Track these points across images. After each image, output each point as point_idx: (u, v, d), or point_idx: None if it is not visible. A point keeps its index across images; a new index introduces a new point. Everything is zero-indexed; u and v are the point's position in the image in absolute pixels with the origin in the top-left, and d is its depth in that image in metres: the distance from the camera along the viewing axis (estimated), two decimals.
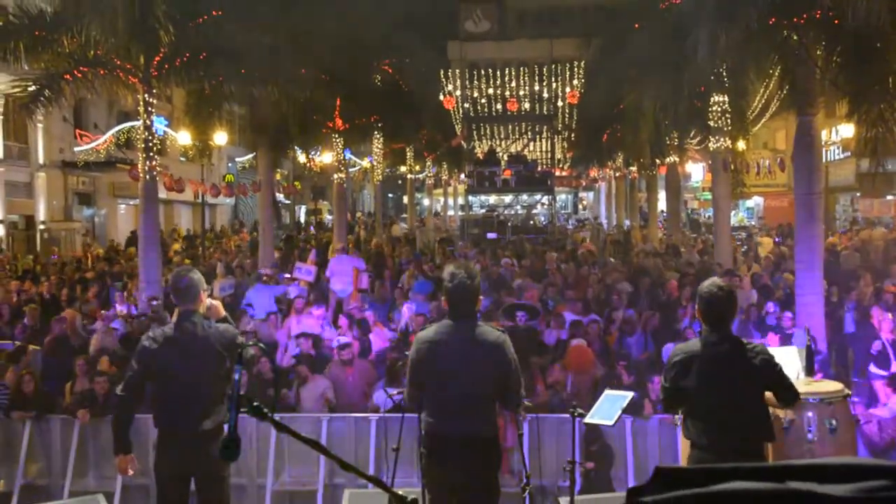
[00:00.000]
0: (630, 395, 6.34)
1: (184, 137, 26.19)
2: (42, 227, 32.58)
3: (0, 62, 14.01)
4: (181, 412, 5.59)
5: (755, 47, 12.11)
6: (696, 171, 42.31)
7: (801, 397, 5.31)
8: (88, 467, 9.53)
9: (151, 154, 14.35)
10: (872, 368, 10.50)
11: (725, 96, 16.26)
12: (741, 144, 19.00)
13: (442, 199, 52.70)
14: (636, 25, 15.56)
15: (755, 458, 4.96)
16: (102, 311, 14.07)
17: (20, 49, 13.36)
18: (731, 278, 13.47)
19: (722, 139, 16.86)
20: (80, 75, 13.92)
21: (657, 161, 27.64)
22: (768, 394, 5.14)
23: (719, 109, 16.47)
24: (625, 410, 6.20)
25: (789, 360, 5.71)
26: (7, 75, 18.97)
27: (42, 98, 13.95)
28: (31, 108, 14.20)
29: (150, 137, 14.39)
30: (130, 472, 5.80)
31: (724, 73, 15.48)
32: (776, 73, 13.89)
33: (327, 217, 47.69)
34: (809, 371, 6.29)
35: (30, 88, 14.12)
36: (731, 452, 4.82)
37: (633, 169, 34.27)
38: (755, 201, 40.89)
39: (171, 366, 5.60)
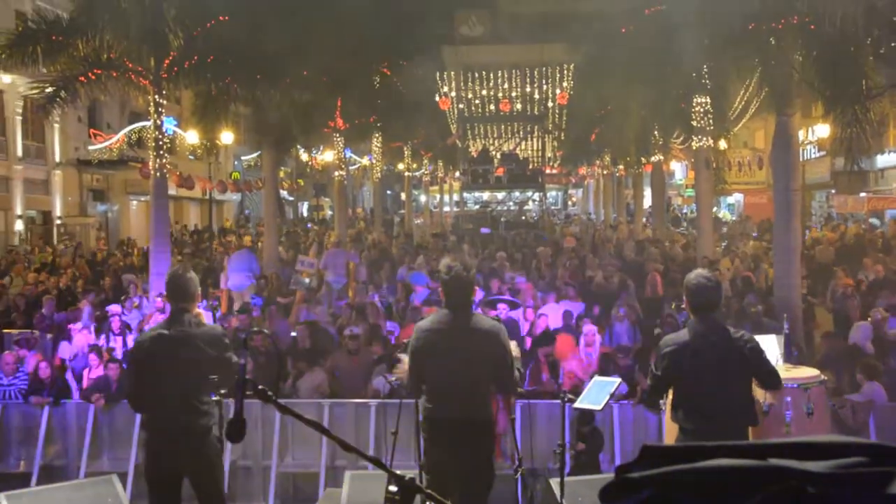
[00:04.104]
0: (618, 380, 6.35)
1: (192, 137, 26.19)
2: (58, 222, 32.54)
3: (19, 65, 13.96)
4: (169, 410, 5.35)
5: (736, 51, 12.13)
6: (680, 169, 42.34)
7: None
8: (103, 449, 9.55)
9: (162, 153, 14.33)
10: None
11: (708, 98, 16.29)
12: (722, 143, 19.02)
13: (438, 196, 52.67)
14: (622, 30, 15.53)
15: (739, 440, 4.97)
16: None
17: (38, 53, 13.34)
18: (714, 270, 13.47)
19: (704, 138, 16.86)
20: (94, 77, 13.89)
21: (643, 159, 27.69)
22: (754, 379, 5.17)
23: (702, 110, 16.50)
24: (612, 396, 6.20)
25: (769, 347, 5.73)
26: (25, 78, 18.92)
27: (58, 99, 13.92)
28: (47, 108, 14.19)
29: (161, 137, 14.37)
30: None
31: (707, 76, 15.51)
32: (756, 76, 13.90)
33: (329, 213, 47.65)
34: (788, 358, 6.31)
35: (47, 90, 14.09)
36: (717, 436, 4.81)
37: (620, 167, 34.32)
38: (735, 198, 40.92)
39: (160, 363, 5.37)
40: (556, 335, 10.62)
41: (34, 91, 15.13)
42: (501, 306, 11.26)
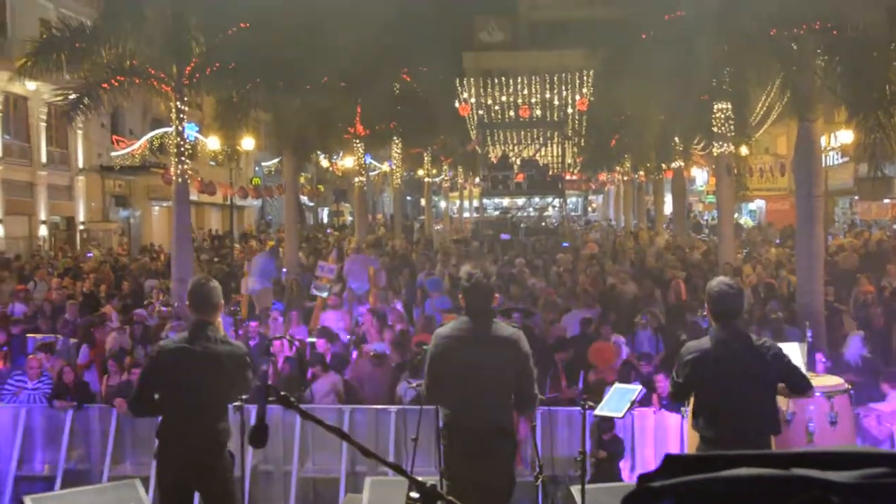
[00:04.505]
0: (638, 388, 6.33)
1: (213, 143, 26.36)
2: (81, 227, 32.86)
3: (43, 73, 14.12)
4: (185, 424, 5.27)
5: (757, 57, 12.08)
6: (701, 176, 42.16)
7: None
8: (126, 454, 9.60)
9: (183, 158, 14.44)
10: None
11: (728, 104, 16.20)
12: (744, 150, 18.92)
13: (458, 202, 52.68)
14: (643, 36, 15.49)
15: (761, 449, 4.93)
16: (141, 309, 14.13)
17: (62, 60, 13.49)
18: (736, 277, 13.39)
19: (725, 145, 16.76)
20: (116, 84, 14.04)
21: (663, 166, 27.59)
22: (780, 385, 5.11)
23: (723, 116, 16.39)
24: (633, 403, 6.18)
25: (791, 355, 5.69)
26: (50, 85, 19.15)
27: (82, 106, 14.08)
28: (71, 115, 14.35)
29: (182, 143, 14.48)
30: None
31: (727, 82, 15.43)
32: (777, 82, 13.82)
33: (349, 218, 47.78)
34: (810, 366, 6.26)
35: (70, 97, 14.25)
36: (739, 444, 4.79)
37: (641, 173, 34.21)
38: (757, 204, 40.69)
39: (180, 376, 5.27)
40: (595, 343, 10.57)
41: (58, 98, 15.32)
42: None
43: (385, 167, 40.12)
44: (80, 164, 33.24)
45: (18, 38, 25.92)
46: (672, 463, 1.45)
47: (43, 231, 31.05)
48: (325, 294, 14.61)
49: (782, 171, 32.80)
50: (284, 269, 17.85)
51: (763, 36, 11.32)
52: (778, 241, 25.42)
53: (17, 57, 17.04)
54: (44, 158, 31.35)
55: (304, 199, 42.79)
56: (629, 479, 8.43)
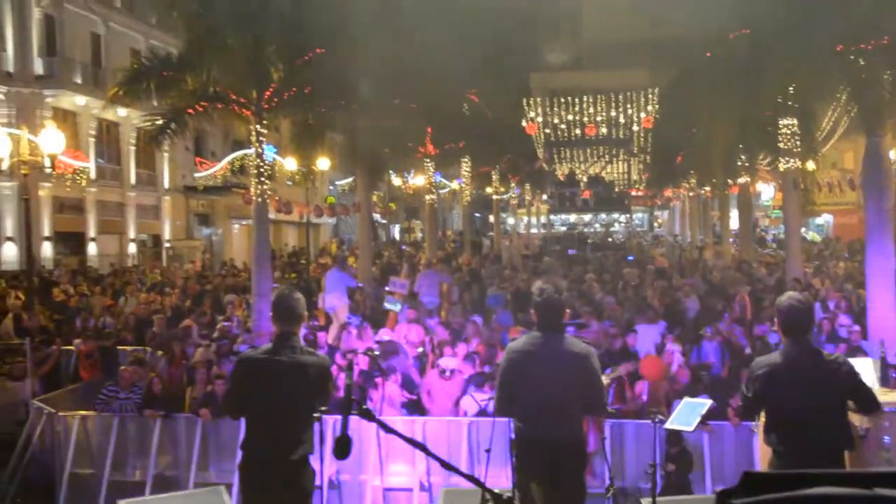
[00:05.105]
0: (708, 402, 6.23)
1: (290, 163, 26.84)
2: (167, 244, 33.78)
3: (134, 100, 14.56)
4: (270, 437, 5.12)
5: (823, 73, 11.81)
6: (767, 190, 41.28)
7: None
8: (210, 461, 9.82)
9: (262, 179, 14.68)
10: None
11: (794, 119, 15.84)
12: (810, 164, 18.46)
13: (525, 218, 52.54)
14: (707, 54, 15.26)
15: (834, 465, 4.79)
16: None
17: (151, 88, 13.89)
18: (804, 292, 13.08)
19: (792, 160, 16.39)
20: (201, 109, 14.38)
21: (729, 181, 27.10)
22: (849, 402, 4.97)
23: (789, 132, 16.04)
24: (703, 417, 6.08)
25: (864, 371, 5.52)
26: (139, 111, 19.76)
27: (168, 130, 14.46)
28: (158, 139, 14.76)
29: (261, 164, 14.73)
30: None
31: (793, 98, 15.10)
32: (844, 97, 13.47)
33: (419, 235, 48.06)
34: (884, 382, 6.07)
35: (157, 122, 14.65)
36: (812, 460, 4.66)
37: (706, 189, 33.65)
38: (824, 218, 39.65)
39: (265, 386, 5.13)
40: (646, 356, 10.50)
41: (147, 123, 15.76)
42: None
43: (455, 185, 40.27)
44: (166, 185, 34.24)
45: (111, 68, 26.90)
46: (751, 480, 1.44)
47: (132, 248, 32.02)
48: (397, 308, 14.72)
49: (851, 185, 31.92)
50: (359, 283, 17.99)
51: (829, 52, 11.05)
52: (846, 256, 24.71)
53: (109, 86, 17.62)
54: (133, 180, 32.43)
55: (377, 216, 43.19)
56: (700, 491, 8.28)
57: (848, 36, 10.85)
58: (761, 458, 5.54)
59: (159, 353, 12.57)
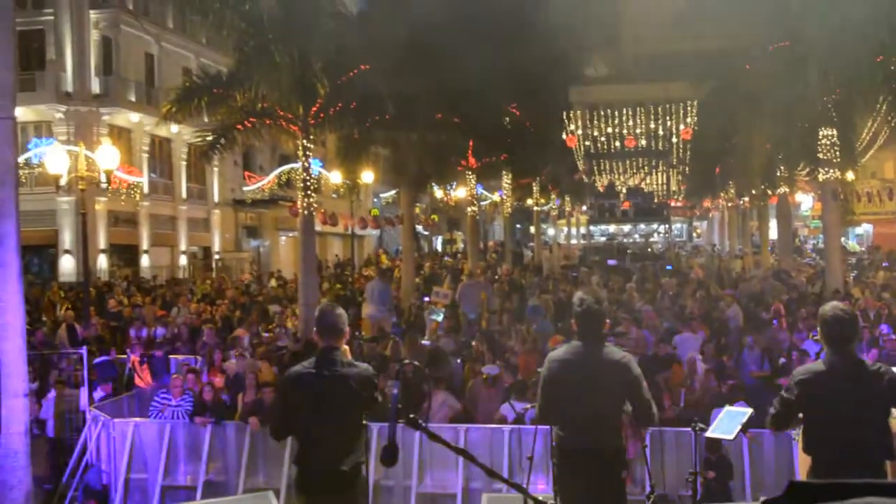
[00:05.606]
0: (749, 411, 6.13)
1: (336, 177, 27.08)
2: (217, 256, 34.23)
3: (186, 117, 14.81)
4: (321, 451, 5.11)
5: (863, 84, 11.62)
6: (806, 201, 40.64)
7: None
8: (259, 467, 9.90)
9: (309, 192, 14.82)
10: None
11: (834, 130, 15.58)
12: (850, 175, 18.14)
13: (566, 229, 52.30)
14: (747, 66, 15.11)
15: (876, 475, 4.69)
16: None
17: (202, 105, 14.12)
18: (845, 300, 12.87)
19: (831, 170, 16.11)
20: (249, 125, 14.61)
21: (768, 192, 26.75)
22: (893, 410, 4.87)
23: (828, 142, 15.78)
24: (743, 426, 5.99)
25: None
26: (190, 127, 20.09)
27: (218, 146, 14.70)
28: (209, 154, 15.02)
29: (308, 178, 14.88)
30: None
31: (833, 109, 14.86)
32: (884, 106, 13.24)
33: (461, 246, 48.08)
34: None
35: (208, 138, 14.89)
36: (852, 469, 4.57)
37: (745, 199, 33.24)
38: (864, 228, 38.89)
39: (310, 402, 5.12)
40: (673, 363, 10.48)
41: (197, 139, 16.01)
42: None
43: (496, 197, 40.24)
44: (216, 199, 34.74)
45: (164, 86, 27.42)
46: (797, 489, 1.42)
47: (183, 260, 32.52)
48: (439, 317, 14.75)
49: (890, 195, 31.33)
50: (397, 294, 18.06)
51: (869, 64, 10.88)
52: (886, 265, 24.19)
53: (162, 103, 17.96)
54: (184, 194, 32.96)
55: (420, 228, 43.33)
56: (740, 498, 8.16)
57: (888, 46, 10.67)
58: (801, 466, 5.43)
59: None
